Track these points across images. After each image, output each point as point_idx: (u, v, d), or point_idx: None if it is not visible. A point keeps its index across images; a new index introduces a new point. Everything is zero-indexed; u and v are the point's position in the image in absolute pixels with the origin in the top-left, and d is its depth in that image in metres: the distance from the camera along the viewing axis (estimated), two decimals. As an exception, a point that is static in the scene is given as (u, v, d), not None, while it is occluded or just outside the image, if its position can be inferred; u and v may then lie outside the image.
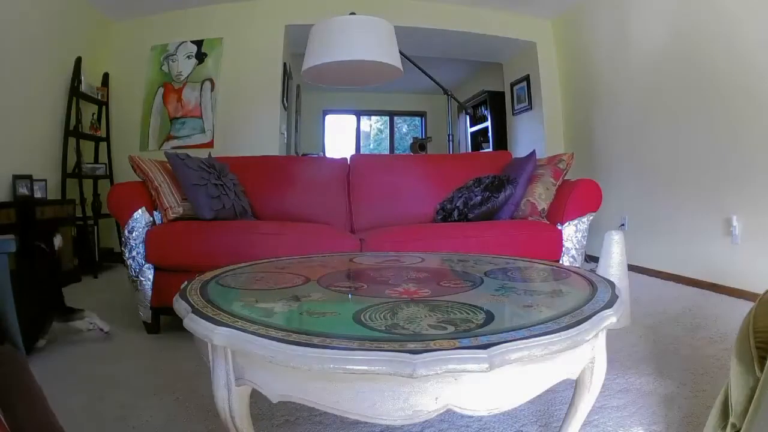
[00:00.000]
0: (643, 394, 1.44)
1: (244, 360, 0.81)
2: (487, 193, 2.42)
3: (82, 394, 1.47)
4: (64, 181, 3.67)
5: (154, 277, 2.10)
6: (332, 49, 2.32)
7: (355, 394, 0.74)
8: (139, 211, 2.12)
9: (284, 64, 4.51)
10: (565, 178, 2.47)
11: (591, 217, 2.32)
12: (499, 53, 5.32)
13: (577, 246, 2.25)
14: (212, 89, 4.33)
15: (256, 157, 2.95)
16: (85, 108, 3.98)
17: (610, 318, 0.88)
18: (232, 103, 4.30)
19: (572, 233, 2.24)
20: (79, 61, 3.76)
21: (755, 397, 0.68)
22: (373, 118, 8.55)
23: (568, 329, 0.78)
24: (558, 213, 2.29)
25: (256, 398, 0.84)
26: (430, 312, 0.93)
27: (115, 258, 3.92)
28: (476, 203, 2.42)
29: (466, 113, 6.18)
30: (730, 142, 2.86)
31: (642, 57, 3.61)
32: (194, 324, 0.85)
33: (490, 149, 5.80)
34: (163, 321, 2.18)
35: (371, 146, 8.55)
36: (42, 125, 3.56)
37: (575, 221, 2.25)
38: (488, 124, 5.92)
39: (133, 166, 2.27)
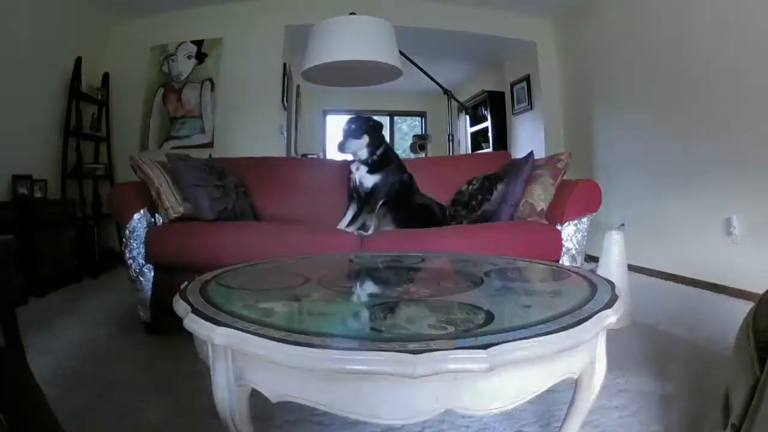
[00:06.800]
0: (643, 395, 1.44)
1: (244, 360, 0.81)
2: (480, 196, 2.43)
3: (82, 394, 1.47)
4: (64, 181, 3.66)
5: (154, 277, 2.10)
6: (332, 49, 2.32)
7: (355, 394, 0.74)
8: (141, 211, 2.12)
9: (284, 64, 4.50)
10: (565, 177, 2.47)
11: (591, 217, 2.31)
12: (499, 53, 5.32)
13: (577, 246, 2.25)
14: (212, 89, 4.32)
15: (256, 158, 2.95)
16: (85, 108, 3.97)
17: (610, 318, 0.88)
18: (232, 103, 4.30)
19: (572, 233, 2.24)
20: (79, 61, 3.76)
21: (755, 397, 0.68)
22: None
23: (568, 329, 0.78)
24: (558, 213, 2.29)
25: (256, 398, 0.84)
26: (430, 312, 0.93)
27: (115, 258, 3.92)
28: (472, 207, 2.43)
29: (466, 113, 6.18)
30: (731, 141, 2.86)
31: (642, 57, 3.61)
32: (194, 324, 0.85)
33: (490, 149, 5.80)
34: (163, 321, 2.18)
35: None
36: (42, 125, 3.56)
37: (575, 221, 2.24)
38: (488, 124, 5.91)
39: (133, 166, 2.26)
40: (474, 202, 2.47)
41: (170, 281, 1.94)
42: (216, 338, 0.79)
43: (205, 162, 2.47)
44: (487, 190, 2.44)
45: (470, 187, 2.58)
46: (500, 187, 2.39)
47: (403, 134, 8.57)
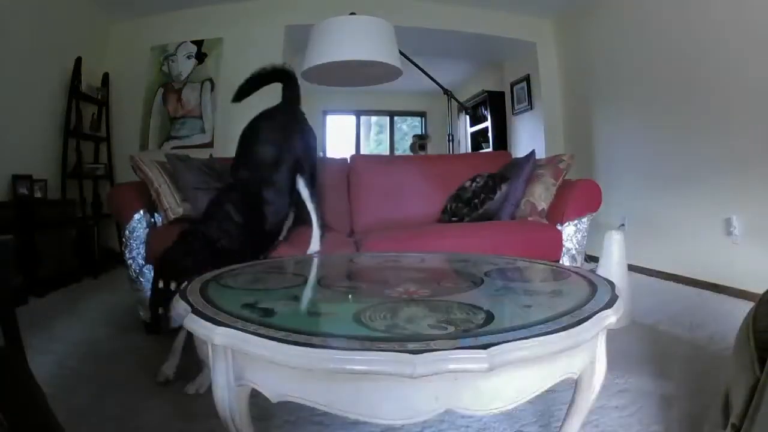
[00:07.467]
0: (643, 394, 1.44)
1: (244, 360, 0.81)
2: (483, 195, 2.43)
3: (82, 394, 1.47)
4: (64, 181, 3.66)
5: (154, 277, 2.10)
6: (332, 49, 2.32)
7: (355, 394, 0.74)
8: (140, 212, 2.12)
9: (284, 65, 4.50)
10: (566, 178, 2.47)
11: (591, 217, 2.32)
12: (499, 53, 5.32)
13: (577, 246, 2.25)
14: (212, 89, 4.32)
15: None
16: (85, 108, 3.97)
17: (610, 318, 0.88)
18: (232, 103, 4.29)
19: (572, 233, 2.24)
20: (79, 61, 3.76)
21: (755, 397, 0.68)
22: (373, 118, 8.55)
23: (568, 329, 0.78)
24: (558, 213, 2.29)
25: (256, 398, 0.84)
26: (430, 312, 0.93)
27: (115, 258, 3.92)
28: (475, 206, 2.43)
29: (466, 113, 6.17)
30: (731, 141, 2.86)
31: (642, 57, 3.61)
32: (194, 324, 0.85)
33: (490, 149, 5.79)
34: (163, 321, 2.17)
35: (371, 146, 8.54)
36: (42, 125, 3.55)
37: (575, 221, 2.25)
38: (488, 124, 5.91)
39: (133, 167, 2.26)
40: (477, 200, 2.46)
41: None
42: (216, 338, 0.79)
43: (206, 163, 2.47)
44: (491, 189, 2.43)
45: (474, 184, 2.56)
46: (504, 187, 2.39)
47: (403, 134, 8.56)
